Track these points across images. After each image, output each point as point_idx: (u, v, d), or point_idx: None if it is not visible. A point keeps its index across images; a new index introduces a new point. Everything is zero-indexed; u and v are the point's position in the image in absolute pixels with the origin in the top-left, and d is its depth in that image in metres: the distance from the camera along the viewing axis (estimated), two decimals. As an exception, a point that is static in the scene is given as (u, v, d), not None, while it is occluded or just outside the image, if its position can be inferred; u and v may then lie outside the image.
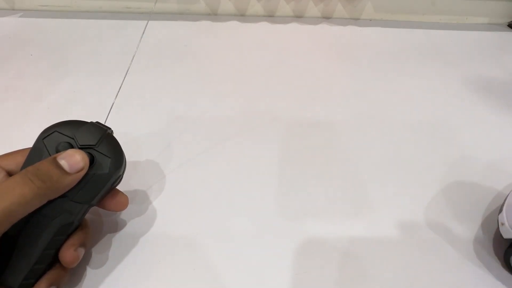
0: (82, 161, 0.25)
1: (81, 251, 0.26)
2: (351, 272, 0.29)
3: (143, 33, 0.35)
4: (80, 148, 0.26)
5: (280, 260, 0.30)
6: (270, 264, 0.29)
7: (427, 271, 0.29)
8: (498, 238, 0.29)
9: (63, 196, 0.25)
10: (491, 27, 0.71)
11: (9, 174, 0.26)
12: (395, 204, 0.35)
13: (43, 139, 0.26)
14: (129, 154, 0.30)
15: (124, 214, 0.32)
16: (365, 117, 0.45)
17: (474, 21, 0.72)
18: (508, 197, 0.28)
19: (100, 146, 0.27)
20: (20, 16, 0.66)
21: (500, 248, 0.29)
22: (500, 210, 0.28)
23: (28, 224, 0.25)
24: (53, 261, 0.25)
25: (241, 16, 0.71)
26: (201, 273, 0.29)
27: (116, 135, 0.29)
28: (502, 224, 0.27)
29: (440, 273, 0.29)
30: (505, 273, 0.28)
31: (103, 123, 0.29)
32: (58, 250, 0.25)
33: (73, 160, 0.25)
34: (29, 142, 0.27)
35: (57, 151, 0.26)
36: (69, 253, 0.25)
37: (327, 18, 0.71)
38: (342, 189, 0.36)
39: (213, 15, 0.71)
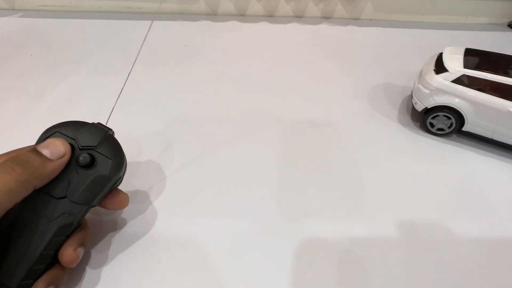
0: (63, 146, 0.25)
1: (81, 251, 0.26)
2: (351, 272, 0.29)
3: (147, 34, 0.35)
4: (81, 149, 0.27)
5: (280, 260, 0.30)
6: (270, 264, 0.29)
7: (427, 271, 0.29)
8: (415, 112, 0.44)
9: (63, 197, 0.25)
10: (491, 27, 0.71)
11: None
12: (395, 204, 0.35)
13: (44, 139, 0.27)
14: (130, 154, 0.30)
15: (124, 214, 0.32)
16: (365, 117, 0.45)
17: (474, 21, 0.72)
18: (413, 87, 0.44)
19: (101, 147, 0.27)
20: (20, 16, 0.66)
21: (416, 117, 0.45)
22: (412, 97, 0.44)
23: (27, 225, 0.25)
24: (52, 261, 0.25)
25: (241, 16, 0.71)
26: (201, 273, 0.29)
27: (117, 135, 0.29)
28: (415, 103, 0.43)
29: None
30: (421, 131, 0.44)
31: (104, 124, 0.29)
32: (57, 250, 0.25)
33: (53, 147, 0.25)
34: (29, 142, 0.27)
35: None
36: (68, 253, 0.25)
37: (327, 18, 0.71)
38: (342, 189, 0.36)
39: (213, 15, 0.71)
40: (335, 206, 0.34)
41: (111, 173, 0.27)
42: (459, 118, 0.40)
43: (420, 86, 0.42)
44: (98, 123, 0.29)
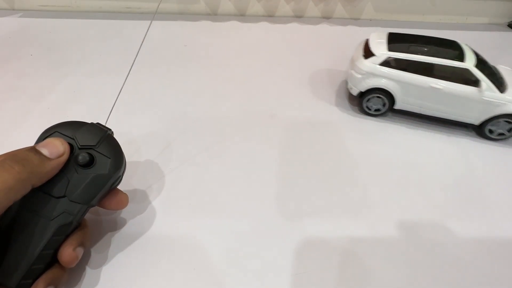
0: (62, 146, 0.25)
1: (80, 251, 0.26)
2: (351, 272, 0.29)
3: (146, 34, 0.36)
4: (80, 149, 0.26)
5: (280, 260, 0.30)
6: (270, 264, 0.29)
7: (427, 271, 0.29)
8: (352, 97, 0.47)
9: (62, 196, 0.25)
10: (491, 27, 0.71)
11: None
12: (395, 204, 0.35)
13: (43, 139, 0.27)
14: (129, 154, 0.30)
15: (123, 214, 0.32)
16: (365, 116, 0.45)
17: (474, 21, 0.72)
18: (347, 73, 0.47)
19: (100, 146, 0.27)
20: (20, 16, 0.67)
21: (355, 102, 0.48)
22: (347, 83, 0.47)
23: (26, 224, 0.25)
24: (52, 261, 0.25)
25: (241, 16, 0.71)
26: (201, 273, 0.29)
27: (116, 135, 0.29)
28: (350, 88, 0.46)
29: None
30: (360, 114, 0.46)
31: (103, 124, 0.29)
32: (56, 250, 0.25)
33: (52, 146, 0.25)
34: (29, 142, 0.27)
35: None
36: (67, 253, 0.25)
37: (327, 18, 0.71)
38: (342, 189, 0.36)
39: (213, 15, 0.71)
40: (335, 206, 0.34)
41: (110, 172, 0.27)
42: (390, 97, 0.43)
43: (352, 72, 0.45)
44: (97, 123, 0.29)
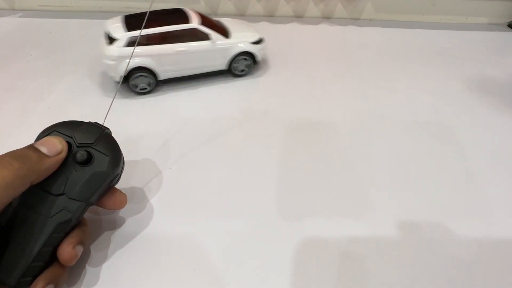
0: (60, 144, 0.26)
1: (79, 249, 0.26)
2: (351, 272, 0.29)
3: (140, 34, 0.37)
4: (78, 147, 0.27)
5: (280, 259, 0.30)
6: (270, 264, 0.29)
7: (427, 271, 0.29)
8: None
9: (61, 193, 0.25)
10: (491, 27, 0.71)
11: None
12: (395, 204, 0.35)
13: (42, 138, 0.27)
14: (127, 153, 0.30)
15: (122, 212, 0.32)
16: (365, 117, 0.45)
17: (474, 21, 0.72)
18: (103, 64, 0.45)
19: (98, 144, 0.27)
20: (20, 16, 0.67)
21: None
22: (107, 74, 0.46)
23: (25, 222, 0.25)
24: (52, 259, 0.25)
25: (241, 16, 0.71)
26: (201, 273, 0.29)
27: (114, 134, 0.29)
28: (112, 77, 0.45)
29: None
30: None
31: (102, 123, 0.29)
32: (56, 248, 0.25)
33: (50, 144, 0.25)
34: (29, 142, 0.27)
35: None
36: (67, 251, 0.25)
37: (327, 18, 0.72)
38: (342, 189, 0.36)
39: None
40: (335, 206, 0.34)
41: (108, 169, 0.27)
42: (151, 72, 0.46)
43: (105, 61, 0.45)
44: (95, 122, 0.29)
